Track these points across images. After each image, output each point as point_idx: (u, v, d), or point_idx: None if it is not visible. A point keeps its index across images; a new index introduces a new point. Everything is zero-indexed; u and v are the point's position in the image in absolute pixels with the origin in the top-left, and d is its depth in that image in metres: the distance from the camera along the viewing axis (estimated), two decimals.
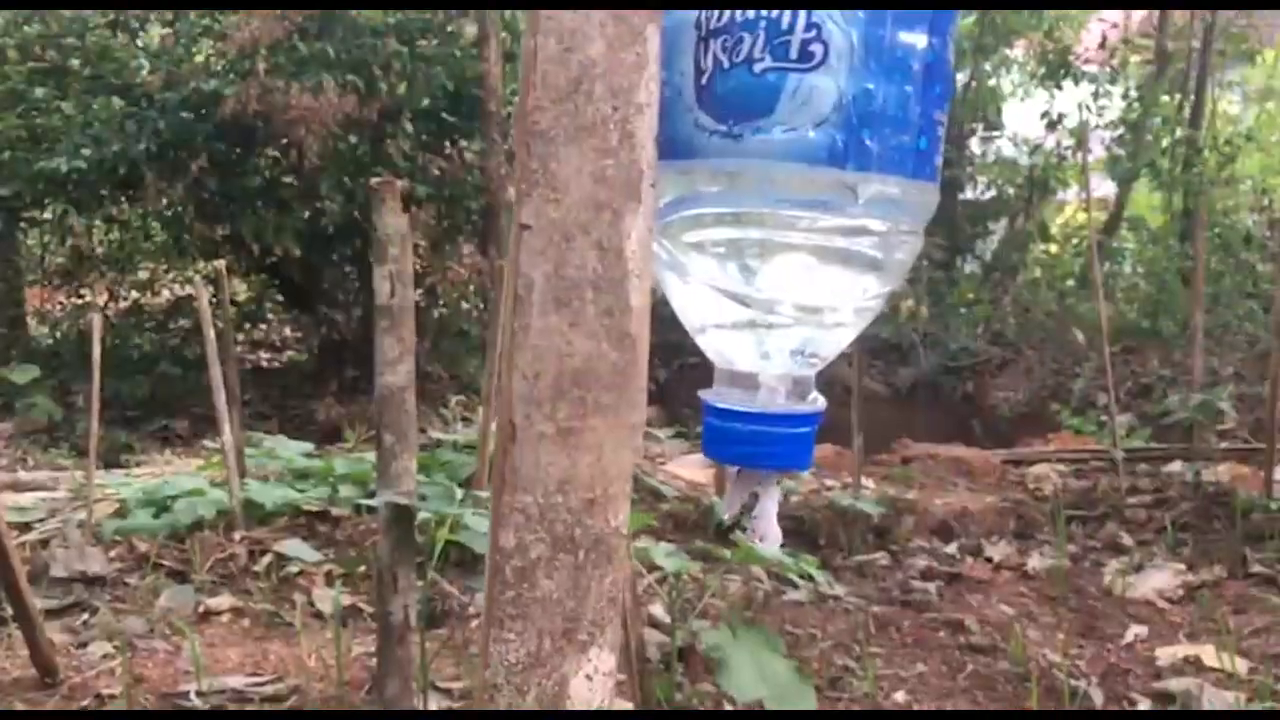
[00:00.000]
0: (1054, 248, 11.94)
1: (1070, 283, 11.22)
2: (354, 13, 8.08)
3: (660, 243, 0.59)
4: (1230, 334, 9.03)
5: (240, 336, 9.81)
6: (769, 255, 0.57)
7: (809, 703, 2.51)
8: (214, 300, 4.96)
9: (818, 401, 0.62)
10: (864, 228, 0.57)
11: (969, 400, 10.06)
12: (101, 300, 9.24)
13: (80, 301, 9.57)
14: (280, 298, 10.17)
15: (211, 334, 4.26)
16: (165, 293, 10.20)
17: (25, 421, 7.63)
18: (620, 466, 0.51)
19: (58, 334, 9.63)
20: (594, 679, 0.49)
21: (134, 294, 9.97)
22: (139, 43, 8.66)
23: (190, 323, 9.53)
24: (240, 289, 10.05)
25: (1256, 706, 3.06)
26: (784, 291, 0.58)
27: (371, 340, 2.62)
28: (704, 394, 0.62)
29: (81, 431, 6.99)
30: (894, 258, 0.60)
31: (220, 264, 4.60)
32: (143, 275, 10.08)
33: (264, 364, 10.30)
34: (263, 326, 10.78)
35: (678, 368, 11.00)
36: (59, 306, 9.88)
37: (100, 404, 4.54)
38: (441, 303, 9.47)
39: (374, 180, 2.49)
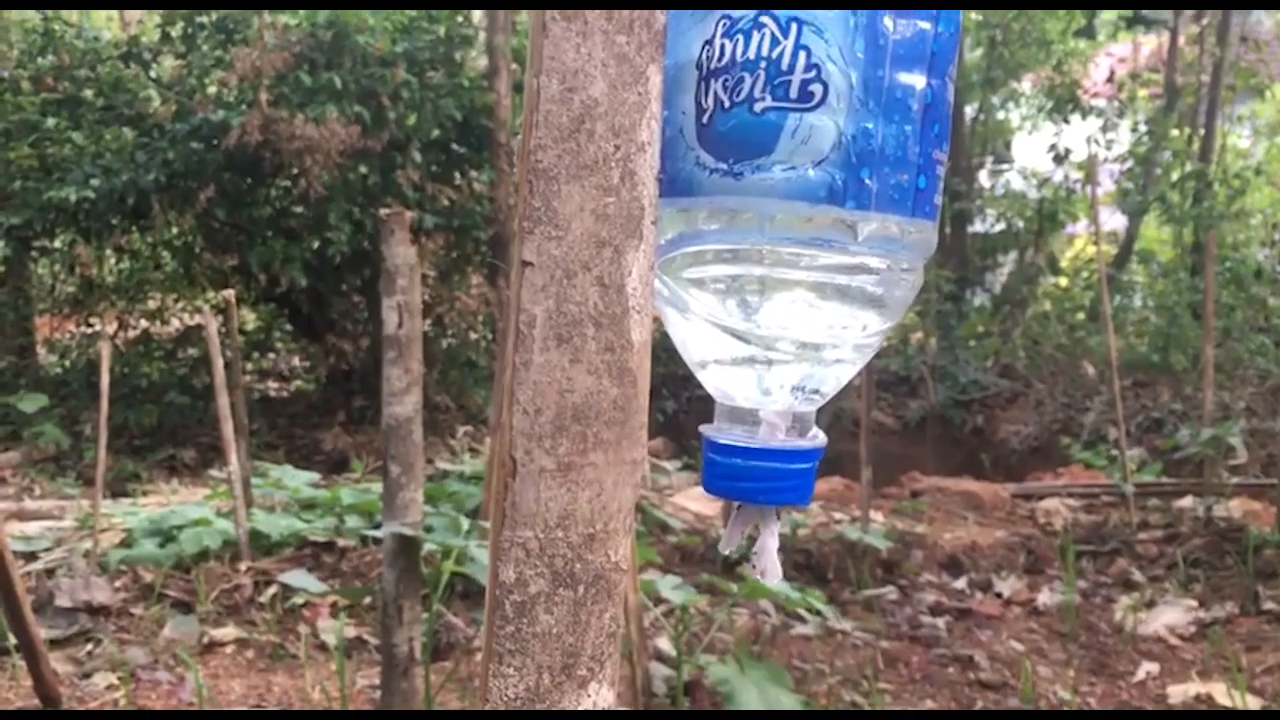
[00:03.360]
0: (1064, 281, 11.94)
1: (1080, 316, 11.21)
2: (362, 42, 8.13)
3: (661, 279, 0.59)
4: (1242, 368, 8.99)
5: (248, 366, 9.83)
6: (769, 292, 0.57)
7: None
8: (223, 330, 4.99)
9: (818, 438, 0.62)
10: (863, 265, 0.58)
11: (978, 433, 10.02)
12: (111, 329, 9.25)
13: (90, 331, 9.59)
14: (288, 327, 10.20)
15: (220, 363, 4.26)
16: (174, 322, 10.23)
17: (32, 450, 7.64)
18: (621, 502, 0.51)
19: (66, 363, 9.65)
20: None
21: (143, 323, 10.00)
22: (151, 74, 8.71)
23: (199, 352, 9.55)
24: (249, 318, 10.08)
25: None
26: (784, 328, 0.58)
27: (379, 370, 2.63)
28: (705, 429, 0.62)
29: (89, 460, 7.00)
30: (894, 294, 0.60)
31: (229, 294, 4.61)
32: (152, 305, 10.11)
33: (272, 393, 10.30)
34: (271, 356, 10.79)
35: (686, 400, 11.01)
36: (68, 335, 9.90)
37: (108, 433, 4.55)
38: (450, 333, 9.48)
39: (383, 211, 2.50)
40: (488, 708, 0.47)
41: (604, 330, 0.49)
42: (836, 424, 10.37)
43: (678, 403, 10.72)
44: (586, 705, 0.47)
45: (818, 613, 4.11)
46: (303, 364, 10.48)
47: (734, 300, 0.56)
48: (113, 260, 9.61)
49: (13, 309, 9.13)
